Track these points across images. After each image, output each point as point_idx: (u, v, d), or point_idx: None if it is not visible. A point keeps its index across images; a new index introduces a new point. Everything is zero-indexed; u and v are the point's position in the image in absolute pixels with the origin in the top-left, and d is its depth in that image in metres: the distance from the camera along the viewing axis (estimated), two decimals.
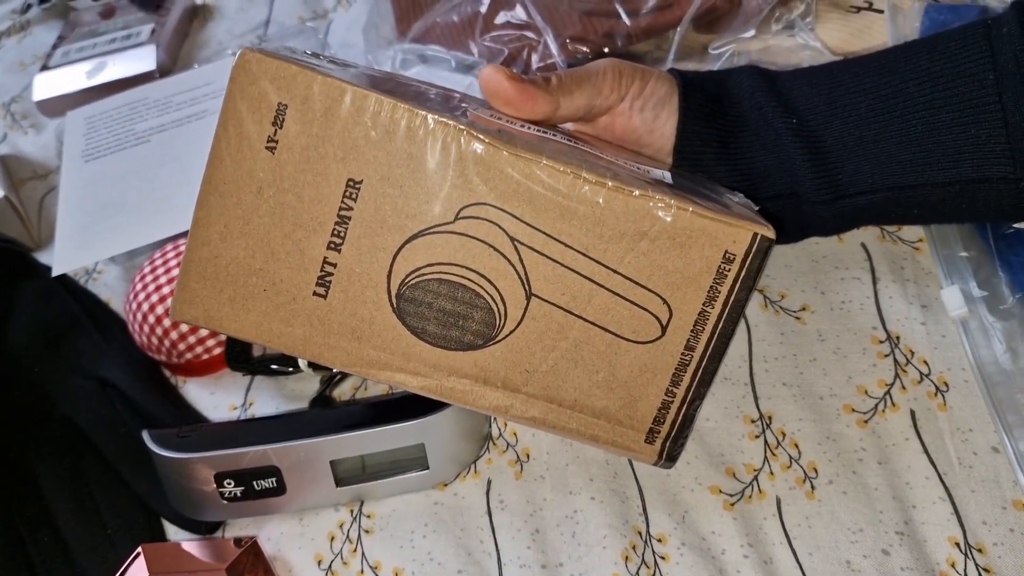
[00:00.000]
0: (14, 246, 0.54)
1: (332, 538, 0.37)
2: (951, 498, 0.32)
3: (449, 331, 0.27)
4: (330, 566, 0.36)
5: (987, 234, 0.36)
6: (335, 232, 0.27)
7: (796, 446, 0.35)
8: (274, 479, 0.35)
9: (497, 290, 0.27)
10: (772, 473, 0.34)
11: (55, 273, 0.48)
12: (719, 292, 0.27)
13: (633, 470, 0.36)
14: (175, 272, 0.42)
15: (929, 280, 0.38)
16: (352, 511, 0.37)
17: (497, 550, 0.35)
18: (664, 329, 0.27)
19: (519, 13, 0.47)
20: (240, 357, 0.43)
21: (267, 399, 0.42)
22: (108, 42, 0.64)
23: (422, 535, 0.36)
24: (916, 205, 0.31)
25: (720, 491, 0.34)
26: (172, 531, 0.39)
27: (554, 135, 0.30)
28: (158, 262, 0.43)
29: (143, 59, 0.61)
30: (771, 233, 0.26)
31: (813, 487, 0.34)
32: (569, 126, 0.34)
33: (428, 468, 0.36)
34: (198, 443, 0.36)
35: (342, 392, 0.42)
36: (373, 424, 0.35)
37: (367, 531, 0.37)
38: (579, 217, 0.26)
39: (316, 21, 0.65)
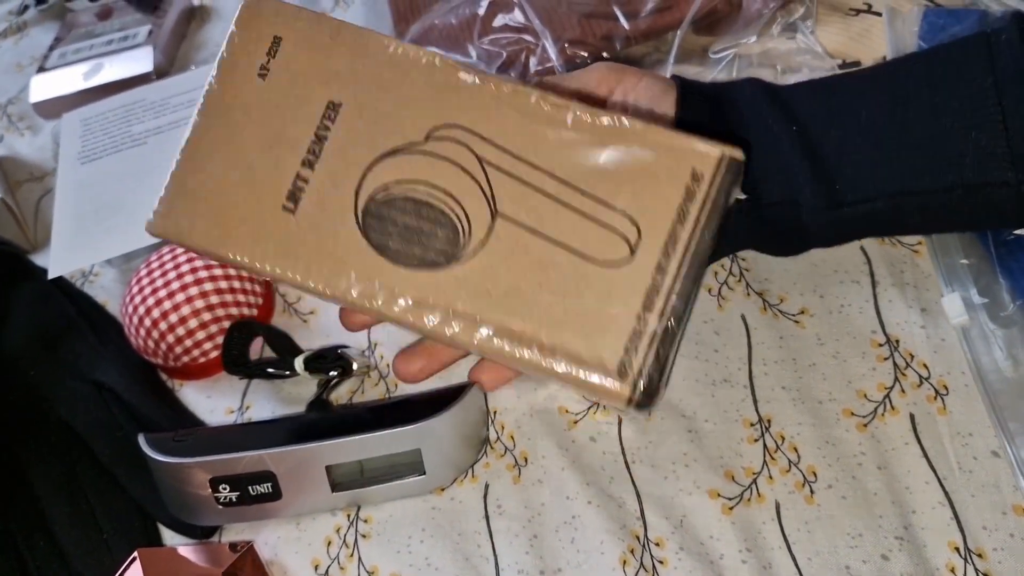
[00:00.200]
0: (10, 248, 0.54)
1: (329, 543, 0.37)
2: (951, 503, 0.32)
3: (412, 247, 0.27)
4: (327, 571, 0.36)
5: (987, 241, 0.36)
6: (311, 150, 0.28)
7: (795, 450, 0.35)
8: (269, 484, 0.35)
9: (462, 208, 0.27)
10: (771, 477, 0.34)
11: (51, 276, 0.47)
12: (688, 212, 0.26)
13: (630, 473, 0.35)
14: (172, 275, 0.42)
15: (929, 283, 0.37)
16: (349, 516, 0.37)
17: (495, 555, 0.35)
18: (633, 250, 0.27)
19: (517, 16, 0.47)
20: (237, 360, 0.42)
21: (264, 402, 0.42)
22: (105, 44, 0.64)
23: (419, 540, 0.36)
24: (918, 212, 0.31)
25: (718, 495, 0.34)
26: (168, 535, 0.39)
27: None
28: (154, 265, 0.43)
29: (140, 61, 0.61)
30: (739, 154, 0.26)
31: (812, 491, 0.34)
32: None
33: (424, 473, 0.35)
34: (193, 447, 0.36)
35: (339, 396, 0.41)
36: (369, 429, 0.34)
37: (364, 536, 0.37)
38: (546, 139, 0.27)
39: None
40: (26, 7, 0.76)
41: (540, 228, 0.27)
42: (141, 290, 0.42)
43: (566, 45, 0.45)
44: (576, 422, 0.37)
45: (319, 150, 0.28)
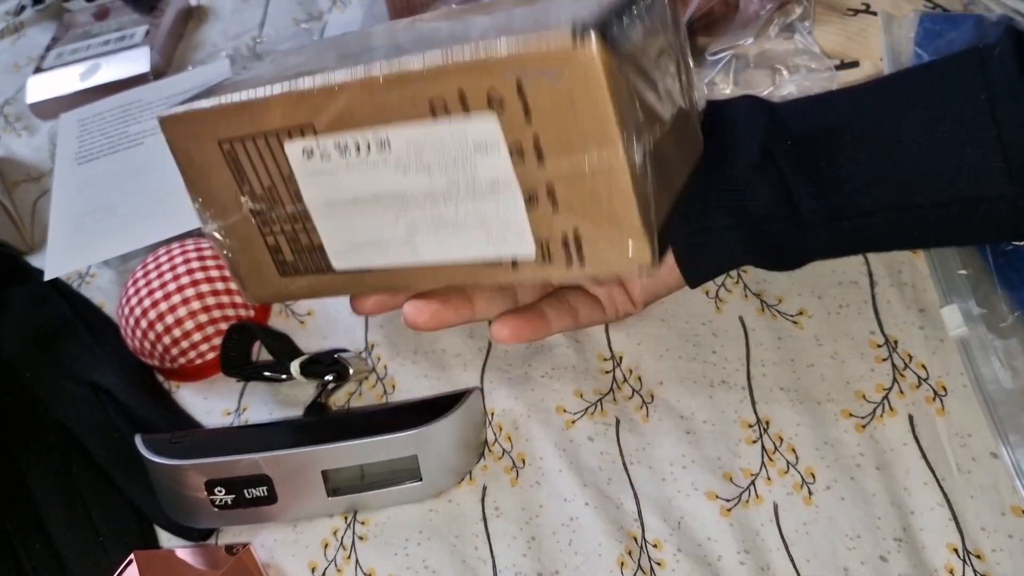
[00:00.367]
0: (6, 249, 0.54)
1: (326, 545, 0.37)
2: (949, 504, 0.32)
3: None
4: (324, 573, 0.36)
5: (986, 251, 0.36)
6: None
7: (793, 451, 0.35)
8: (265, 488, 0.35)
9: None
10: (769, 478, 0.34)
11: (47, 277, 0.47)
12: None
13: (628, 474, 0.35)
14: (168, 276, 0.42)
15: (927, 284, 0.37)
16: (346, 518, 0.37)
17: (493, 558, 0.35)
18: None
19: None
20: (235, 362, 0.42)
21: (261, 405, 0.42)
22: (102, 44, 0.64)
23: (416, 542, 0.36)
24: (915, 227, 0.31)
25: (717, 496, 0.34)
26: (165, 537, 0.39)
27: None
28: (151, 266, 0.43)
29: (137, 61, 0.61)
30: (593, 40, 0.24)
31: (811, 492, 0.34)
32: None
33: (421, 479, 0.35)
34: (190, 449, 0.36)
35: (337, 399, 0.41)
36: (366, 434, 0.34)
37: (361, 538, 0.37)
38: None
39: (311, 23, 0.64)
40: (23, 7, 0.76)
41: None
42: (137, 291, 0.42)
43: None
44: (574, 422, 0.37)
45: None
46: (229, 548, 0.35)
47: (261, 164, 0.31)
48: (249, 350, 0.43)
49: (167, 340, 0.41)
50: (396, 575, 0.35)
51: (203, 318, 0.42)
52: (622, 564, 0.33)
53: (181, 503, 0.36)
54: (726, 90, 0.44)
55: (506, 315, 0.33)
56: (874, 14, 0.45)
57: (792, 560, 0.32)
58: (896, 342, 0.36)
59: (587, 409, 0.37)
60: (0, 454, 0.42)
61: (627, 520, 0.34)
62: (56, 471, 0.41)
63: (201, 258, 0.43)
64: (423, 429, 0.34)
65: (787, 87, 0.42)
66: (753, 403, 0.36)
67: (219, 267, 0.43)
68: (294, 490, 0.35)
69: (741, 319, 0.38)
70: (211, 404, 0.43)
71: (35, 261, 0.53)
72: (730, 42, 0.44)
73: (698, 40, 0.46)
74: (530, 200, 0.27)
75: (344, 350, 0.42)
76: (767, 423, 0.35)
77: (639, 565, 0.33)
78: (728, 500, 0.34)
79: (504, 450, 0.37)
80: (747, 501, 0.34)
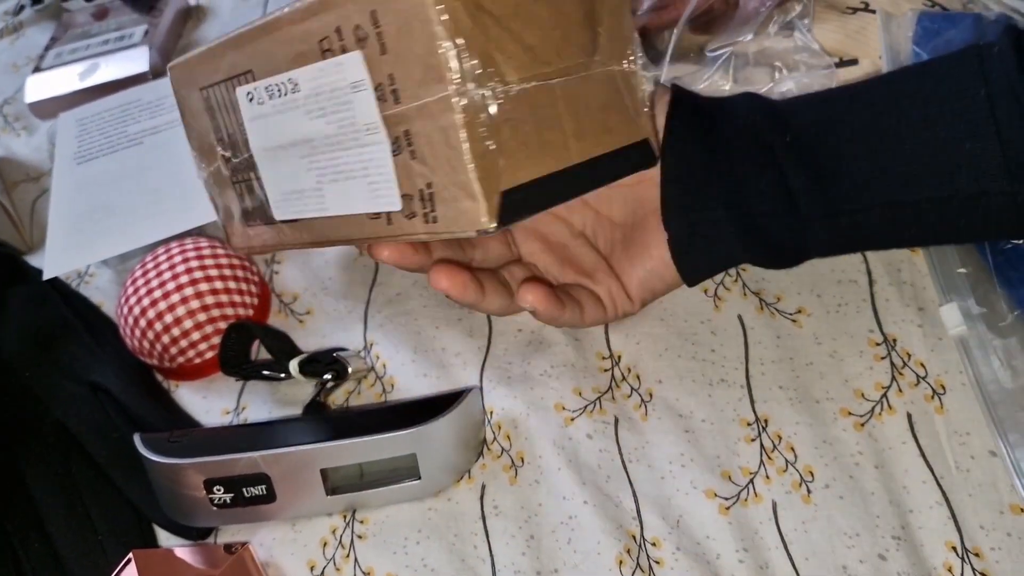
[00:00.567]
0: (6, 249, 0.54)
1: (325, 544, 0.37)
2: (948, 502, 0.32)
3: None
4: (322, 572, 0.36)
5: (984, 250, 0.36)
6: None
7: (792, 449, 0.35)
8: (264, 486, 0.35)
9: None
10: (768, 477, 0.34)
11: (46, 276, 0.47)
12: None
13: (627, 472, 0.35)
14: (167, 276, 0.42)
15: (926, 282, 0.37)
16: (345, 517, 0.37)
17: (491, 556, 0.35)
18: None
19: None
20: (234, 361, 0.42)
21: (260, 404, 0.42)
22: (101, 43, 0.64)
23: (415, 541, 0.36)
24: (914, 224, 0.31)
25: (715, 495, 0.34)
26: (164, 536, 0.39)
27: None
28: (149, 266, 0.43)
29: (136, 61, 0.61)
30: None
31: (809, 491, 0.34)
32: None
33: (420, 478, 0.35)
34: (188, 448, 0.36)
35: (336, 398, 0.41)
36: (364, 433, 0.34)
37: (360, 537, 0.37)
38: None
39: None
40: (22, 7, 0.76)
41: None
42: (136, 291, 0.42)
43: None
44: (573, 419, 0.37)
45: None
46: (228, 547, 0.36)
47: (226, 110, 0.32)
48: (248, 349, 0.43)
49: (166, 339, 0.41)
50: (395, 573, 0.35)
51: (202, 317, 0.42)
52: (621, 562, 0.33)
53: (180, 502, 0.36)
54: (725, 87, 0.44)
55: (535, 283, 0.33)
56: (873, 12, 0.45)
57: (791, 558, 0.32)
58: (895, 340, 0.36)
59: (586, 407, 0.37)
60: (0, 454, 0.43)
61: (626, 518, 0.34)
62: (55, 471, 0.41)
63: (200, 257, 0.43)
64: (422, 427, 0.34)
65: (786, 84, 0.42)
66: (752, 402, 0.36)
67: (218, 266, 0.43)
68: (293, 489, 0.35)
69: (740, 317, 0.38)
70: (210, 403, 0.43)
71: (34, 261, 0.53)
72: (729, 39, 0.44)
73: (697, 37, 0.46)
74: (396, 149, 0.26)
75: (343, 349, 0.42)
76: (766, 421, 0.35)
77: (638, 563, 0.33)
78: (727, 498, 0.34)
79: (503, 448, 0.37)
80: (746, 499, 0.34)
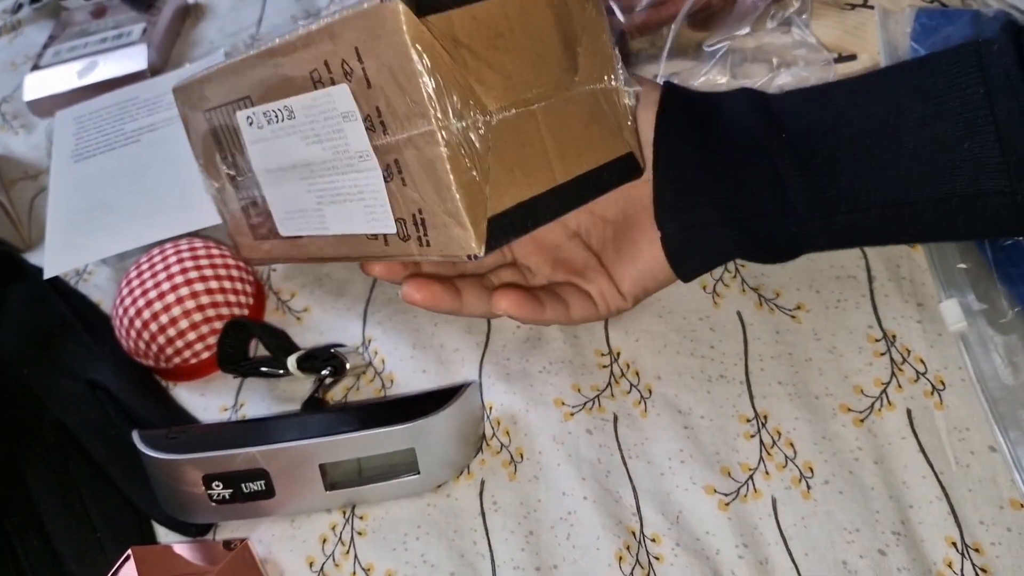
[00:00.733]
0: (4, 247, 0.54)
1: (324, 540, 0.37)
2: (948, 498, 0.32)
3: None
4: (322, 568, 0.36)
5: (984, 247, 0.36)
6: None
7: (792, 445, 0.35)
8: (262, 482, 0.35)
9: None
10: (767, 473, 0.34)
11: (47, 275, 0.47)
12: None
13: (626, 468, 0.35)
14: (162, 277, 0.42)
15: (925, 278, 0.37)
16: (344, 513, 0.37)
17: (491, 552, 0.35)
18: None
19: None
20: (232, 358, 0.42)
21: (258, 400, 0.42)
22: (99, 41, 0.64)
23: (415, 537, 0.36)
24: (912, 223, 0.31)
25: (715, 491, 0.34)
26: (163, 533, 0.39)
27: None
28: (144, 266, 0.43)
29: (134, 58, 0.61)
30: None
31: (809, 487, 0.33)
32: None
33: (419, 473, 0.35)
34: (186, 444, 0.36)
35: (334, 394, 0.41)
36: (362, 427, 0.34)
37: (360, 533, 0.36)
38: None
39: (308, 20, 0.64)
40: (20, 5, 0.76)
41: None
42: (131, 292, 0.42)
43: None
44: (572, 415, 0.37)
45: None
46: (227, 543, 0.35)
47: (229, 132, 0.33)
48: (246, 346, 0.43)
49: (161, 340, 0.41)
50: (394, 570, 0.35)
51: (197, 316, 0.41)
52: (620, 558, 0.33)
53: (178, 498, 0.36)
54: (722, 82, 0.44)
55: (509, 288, 0.34)
56: (871, 8, 0.45)
57: (791, 554, 0.32)
58: (894, 336, 0.36)
59: (585, 404, 0.37)
60: None
61: (625, 514, 0.34)
62: (54, 469, 0.41)
63: (194, 256, 0.43)
64: (421, 422, 0.34)
65: (784, 79, 0.42)
66: (751, 397, 0.36)
67: (212, 266, 0.43)
68: (292, 484, 0.35)
69: (739, 313, 0.38)
70: (208, 400, 0.43)
71: (33, 259, 0.53)
72: (727, 35, 0.44)
73: (696, 34, 0.46)
74: (388, 175, 0.28)
75: (341, 345, 0.42)
76: (765, 417, 0.35)
77: (637, 559, 0.33)
78: (726, 494, 0.34)
79: (502, 444, 0.37)
80: (745, 495, 0.34)
